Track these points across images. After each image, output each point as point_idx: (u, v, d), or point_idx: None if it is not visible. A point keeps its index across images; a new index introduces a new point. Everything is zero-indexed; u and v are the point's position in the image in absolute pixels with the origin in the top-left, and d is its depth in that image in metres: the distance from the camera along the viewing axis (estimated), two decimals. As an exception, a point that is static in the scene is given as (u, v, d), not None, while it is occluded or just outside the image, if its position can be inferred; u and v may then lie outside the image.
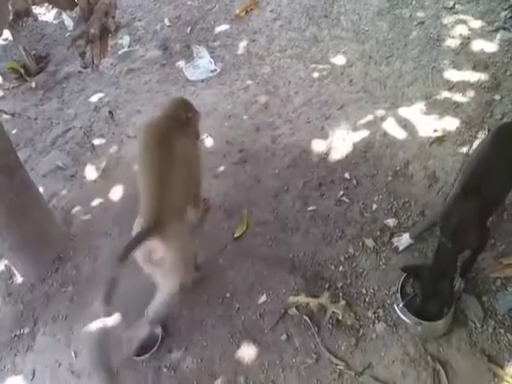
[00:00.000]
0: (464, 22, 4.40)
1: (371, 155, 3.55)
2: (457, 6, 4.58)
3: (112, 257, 2.76)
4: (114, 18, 4.08)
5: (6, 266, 3.40)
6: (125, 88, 4.79)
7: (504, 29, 4.19)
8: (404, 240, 2.96)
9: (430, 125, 3.61)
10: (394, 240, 3.01)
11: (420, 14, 4.63)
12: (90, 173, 3.97)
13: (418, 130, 3.60)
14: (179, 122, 2.85)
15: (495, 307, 2.61)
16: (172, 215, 2.55)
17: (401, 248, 2.96)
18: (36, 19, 5.67)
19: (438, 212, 2.75)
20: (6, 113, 4.67)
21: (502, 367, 2.39)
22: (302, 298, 2.82)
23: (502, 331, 2.50)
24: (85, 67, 4.91)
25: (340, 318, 2.72)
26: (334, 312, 2.75)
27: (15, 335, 3.07)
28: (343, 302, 2.78)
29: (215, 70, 4.70)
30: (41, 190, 3.55)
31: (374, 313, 2.74)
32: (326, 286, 2.90)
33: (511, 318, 2.55)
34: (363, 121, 3.80)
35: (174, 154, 2.65)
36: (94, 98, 4.74)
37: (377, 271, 2.92)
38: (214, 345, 2.78)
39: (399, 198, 3.22)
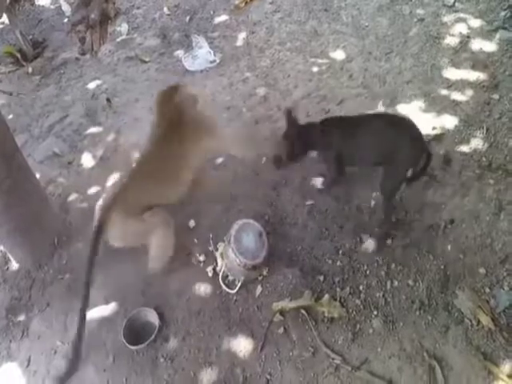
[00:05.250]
0: (464, 20, 4.43)
1: (370, 151, 3.56)
2: (457, 4, 4.60)
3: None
4: (114, 4, 4.03)
5: (1, 251, 3.38)
6: (123, 76, 4.75)
7: (503, 28, 4.22)
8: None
9: (428, 122, 3.62)
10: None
11: (420, 11, 4.66)
12: (87, 160, 3.95)
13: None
14: (169, 117, 2.95)
15: (491, 306, 2.64)
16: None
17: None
18: (33, 3, 5.57)
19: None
20: (4, 92, 4.63)
21: (497, 365, 2.43)
22: (285, 303, 2.82)
23: (498, 329, 2.54)
24: (82, 54, 4.84)
25: (326, 314, 2.74)
26: (318, 309, 2.77)
27: (11, 322, 3.06)
28: (326, 296, 2.80)
29: (214, 60, 4.68)
30: (37, 176, 3.51)
31: (371, 308, 2.76)
32: (322, 279, 2.93)
33: (507, 316, 2.59)
34: (362, 116, 3.81)
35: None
36: (92, 85, 4.70)
37: (373, 267, 2.94)
38: (211, 336, 2.79)
39: (397, 195, 3.23)
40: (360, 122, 3.07)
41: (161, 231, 2.88)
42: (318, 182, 3.37)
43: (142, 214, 2.83)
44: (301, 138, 3.07)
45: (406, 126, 2.92)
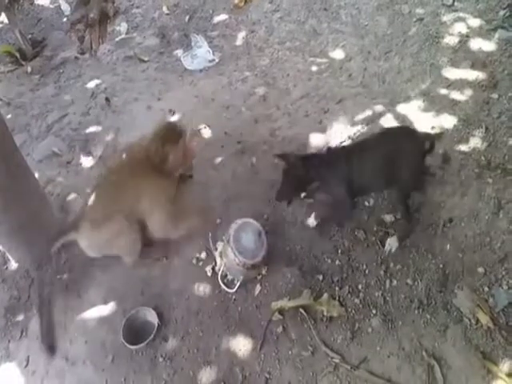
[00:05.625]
0: (463, 19, 4.42)
1: (369, 150, 3.55)
2: (456, 3, 4.60)
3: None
4: (113, 3, 4.03)
5: (0, 251, 3.37)
6: (122, 75, 4.76)
7: (502, 28, 4.21)
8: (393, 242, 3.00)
9: (427, 121, 3.63)
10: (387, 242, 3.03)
11: (419, 11, 4.65)
12: (86, 160, 3.94)
13: (415, 127, 3.60)
14: (154, 156, 2.82)
15: (490, 305, 2.64)
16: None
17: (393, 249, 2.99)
18: (32, 3, 5.59)
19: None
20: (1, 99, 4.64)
21: (496, 364, 2.43)
22: (284, 302, 2.81)
23: (497, 328, 2.54)
24: (82, 53, 4.87)
25: (325, 313, 2.74)
26: (317, 308, 2.77)
27: (9, 321, 3.05)
28: (325, 295, 2.80)
29: (213, 60, 4.69)
30: (36, 175, 3.50)
31: (370, 307, 2.76)
32: (321, 278, 2.92)
33: (506, 315, 2.58)
34: (361, 116, 3.81)
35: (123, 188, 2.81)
36: (91, 85, 4.70)
37: (372, 266, 2.94)
38: (210, 335, 2.78)
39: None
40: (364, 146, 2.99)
41: (122, 238, 2.90)
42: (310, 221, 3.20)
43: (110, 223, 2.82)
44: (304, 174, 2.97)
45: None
